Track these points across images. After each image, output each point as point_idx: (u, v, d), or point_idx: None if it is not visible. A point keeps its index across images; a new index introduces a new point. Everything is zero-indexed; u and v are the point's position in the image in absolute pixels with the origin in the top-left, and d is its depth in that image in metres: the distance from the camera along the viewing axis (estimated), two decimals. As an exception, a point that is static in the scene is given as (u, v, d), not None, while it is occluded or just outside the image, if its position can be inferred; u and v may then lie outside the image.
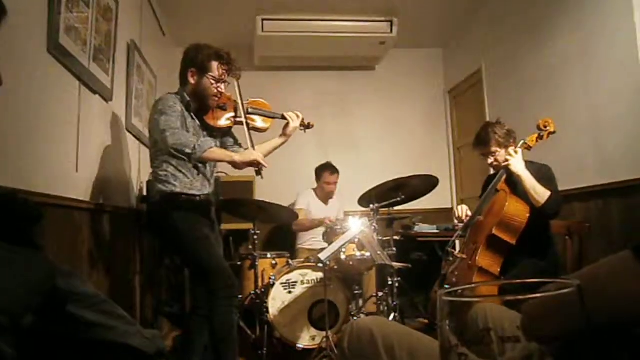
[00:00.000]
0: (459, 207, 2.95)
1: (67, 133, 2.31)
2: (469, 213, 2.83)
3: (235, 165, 2.41)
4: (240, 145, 2.78)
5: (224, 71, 2.52)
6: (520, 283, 0.50)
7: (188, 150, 2.28)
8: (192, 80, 2.52)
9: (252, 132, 2.69)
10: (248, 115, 2.67)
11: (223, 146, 2.74)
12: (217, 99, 2.55)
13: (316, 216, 4.40)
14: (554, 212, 2.58)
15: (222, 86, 2.54)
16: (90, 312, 1.14)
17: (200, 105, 2.55)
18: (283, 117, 2.74)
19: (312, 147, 5.05)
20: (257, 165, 2.40)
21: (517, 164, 2.58)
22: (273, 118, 2.75)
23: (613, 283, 0.65)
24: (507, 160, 2.62)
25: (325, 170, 4.44)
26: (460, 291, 0.51)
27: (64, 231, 2.19)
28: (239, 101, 2.60)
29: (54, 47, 2.05)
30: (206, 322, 2.44)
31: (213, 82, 2.50)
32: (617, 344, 0.68)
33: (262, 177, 2.49)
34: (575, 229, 2.73)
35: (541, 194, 2.52)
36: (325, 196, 4.53)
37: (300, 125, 2.81)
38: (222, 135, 2.73)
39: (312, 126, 2.90)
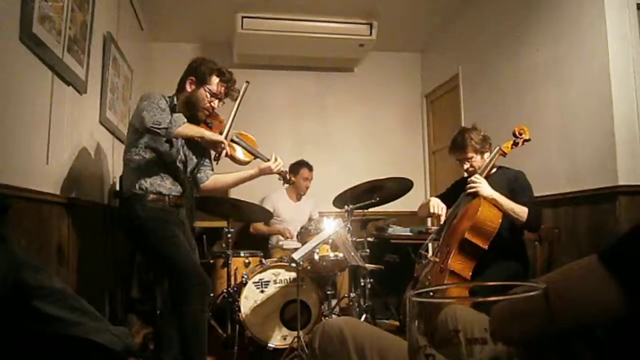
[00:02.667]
0: (432, 204, 2.85)
1: (38, 124, 2.25)
2: (443, 205, 2.83)
3: (206, 140, 2.41)
4: (211, 168, 2.81)
5: (222, 88, 2.53)
6: (490, 286, 0.50)
7: (164, 125, 2.27)
8: (189, 88, 2.53)
9: (229, 159, 2.65)
10: (230, 143, 2.60)
11: (199, 165, 2.75)
12: (207, 112, 2.55)
13: (285, 215, 4.44)
14: (536, 226, 2.63)
15: (216, 102, 2.54)
16: (57, 308, 1.12)
17: (189, 114, 2.52)
18: (267, 159, 2.72)
19: (288, 146, 5.06)
20: (220, 148, 2.38)
21: (486, 188, 2.61)
22: (255, 155, 2.70)
23: (579, 287, 0.66)
24: (472, 188, 2.62)
25: (303, 166, 4.49)
26: (430, 292, 0.51)
27: (32, 225, 2.13)
28: (227, 123, 2.56)
29: (26, 36, 2.00)
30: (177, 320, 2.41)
31: (208, 95, 2.50)
32: (582, 346, 0.70)
33: (216, 163, 2.59)
34: (545, 235, 2.78)
35: (520, 212, 2.55)
36: (297, 193, 4.56)
37: (280, 174, 2.78)
38: (201, 153, 2.71)
39: (293, 182, 2.89)
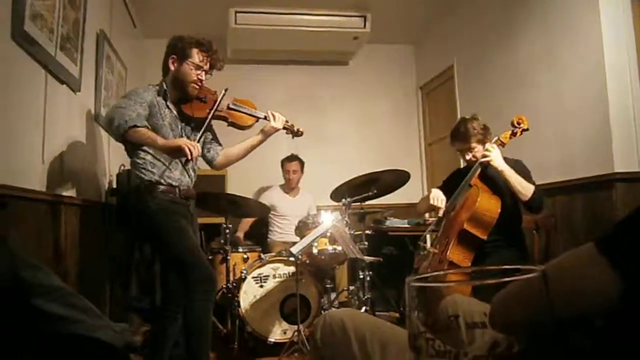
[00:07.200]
0: (432, 195, 2.79)
1: (33, 123, 2.25)
2: (443, 197, 2.78)
3: (159, 150, 2.33)
4: (219, 143, 2.76)
5: (204, 58, 2.50)
6: (489, 271, 0.51)
7: (115, 124, 2.25)
8: (172, 68, 2.51)
9: (232, 128, 2.69)
10: (228, 111, 2.63)
11: (205, 144, 2.72)
12: (196, 87, 2.52)
13: (283, 210, 4.48)
14: (540, 205, 2.59)
15: (203, 74, 2.52)
16: (56, 305, 1.11)
17: (180, 93, 2.53)
18: (265, 118, 2.70)
19: (284, 141, 5.01)
20: (182, 153, 2.23)
21: (498, 159, 2.59)
22: (255, 117, 2.69)
23: (576, 274, 0.66)
24: (486, 156, 2.61)
25: (284, 160, 4.57)
26: (429, 278, 0.51)
27: (29, 224, 2.13)
28: (219, 94, 2.56)
29: (18, 34, 1.99)
30: (176, 318, 2.41)
31: (193, 68, 2.48)
32: (580, 334, 0.70)
33: (188, 166, 2.52)
34: (542, 223, 2.79)
35: (527, 188, 2.54)
36: (289, 187, 4.59)
37: (288, 130, 2.77)
38: (201, 128, 2.68)
39: (302, 133, 2.84)
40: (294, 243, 3.17)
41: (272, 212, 4.40)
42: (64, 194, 2.59)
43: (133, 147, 2.45)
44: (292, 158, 4.56)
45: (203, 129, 2.49)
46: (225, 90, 2.59)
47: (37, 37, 2.16)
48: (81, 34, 2.81)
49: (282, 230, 4.48)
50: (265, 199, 4.49)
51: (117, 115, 2.26)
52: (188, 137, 2.56)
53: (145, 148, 2.42)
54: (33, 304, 1.09)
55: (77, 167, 2.82)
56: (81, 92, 2.87)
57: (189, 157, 2.23)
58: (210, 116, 2.51)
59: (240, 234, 4.50)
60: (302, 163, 4.60)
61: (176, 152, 2.27)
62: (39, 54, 2.21)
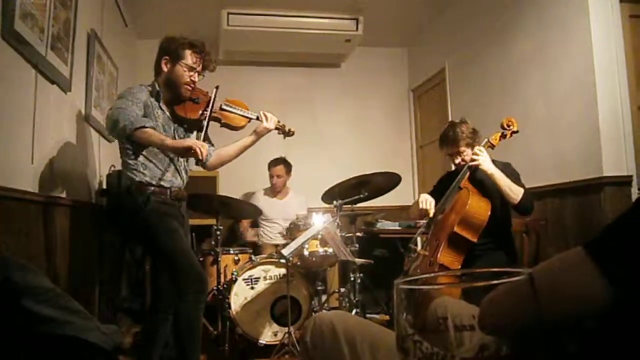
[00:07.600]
0: (421, 199, 2.81)
1: (22, 123, 2.23)
2: (431, 200, 2.79)
3: (168, 150, 2.31)
4: (211, 143, 2.75)
5: (197, 59, 2.49)
6: (478, 274, 0.51)
7: (120, 125, 2.21)
8: (165, 69, 2.49)
9: (224, 129, 2.68)
10: (221, 112, 2.62)
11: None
12: (189, 88, 2.50)
13: (269, 214, 4.43)
14: (530, 208, 2.60)
15: (196, 76, 2.51)
16: (46, 307, 1.11)
17: (172, 94, 2.51)
18: (257, 118, 2.69)
19: (276, 142, 5.01)
20: (192, 153, 2.21)
21: (487, 162, 2.59)
22: (247, 117, 2.68)
23: (565, 278, 0.67)
24: (474, 160, 2.61)
25: (270, 164, 4.51)
26: (417, 280, 0.51)
27: (18, 225, 2.11)
28: (212, 95, 2.55)
29: (8, 33, 1.97)
30: (167, 319, 2.40)
31: (186, 69, 2.47)
32: (568, 337, 0.70)
33: (202, 166, 2.50)
34: (532, 226, 2.81)
35: (516, 191, 2.54)
36: (274, 191, 4.56)
37: (280, 130, 2.77)
38: (195, 129, 2.65)
39: (293, 133, 2.83)
40: (285, 245, 3.17)
41: (260, 216, 4.38)
42: (54, 194, 2.57)
43: (137, 147, 2.41)
44: (277, 162, 4.48)
45: (204, 129, 2.47)
46: (217, 87, 2.57)
47: (27, 36, 2.14)
48: (72, 34, 2.79)
49: (271, 234, 4.47)
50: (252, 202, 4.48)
51: (122, 116, 2.23)
52: (181, 139, 2.55)
53: (137, 149, 2.41)
54: (22, 305, 1.08)
55: (67, 167, 2.80)
56: (72, 92, 2.86)
57: (200, 157, 2.21)
58: (208, 116, 2.49)
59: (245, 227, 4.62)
60: (288, 166, 4.52)
61: (186, 153, 2.25)
62: (29, 54, 2.20)
